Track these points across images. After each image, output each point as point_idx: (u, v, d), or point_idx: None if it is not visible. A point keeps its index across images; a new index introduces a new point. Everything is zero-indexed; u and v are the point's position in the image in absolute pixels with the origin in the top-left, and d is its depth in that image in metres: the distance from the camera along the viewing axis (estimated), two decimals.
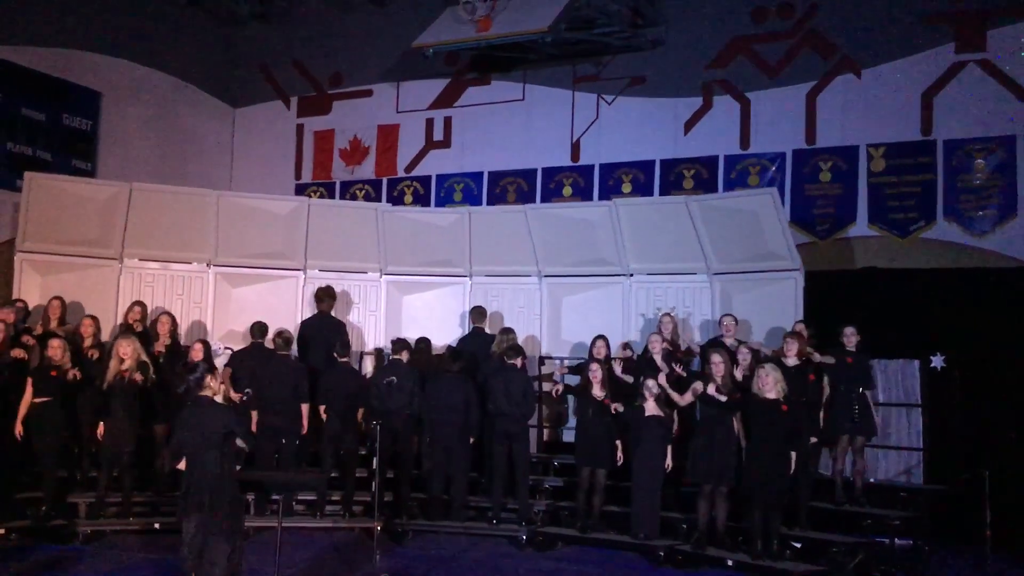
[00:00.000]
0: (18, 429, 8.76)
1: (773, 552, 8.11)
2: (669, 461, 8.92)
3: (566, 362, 11.00)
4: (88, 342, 9.66)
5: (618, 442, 9.19)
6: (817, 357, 9.03)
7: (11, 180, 11.98)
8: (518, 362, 9.84)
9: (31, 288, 10.57)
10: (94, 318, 9.91)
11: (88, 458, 9.53)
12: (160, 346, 9.83)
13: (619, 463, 9.21)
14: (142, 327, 10.13)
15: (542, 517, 9.80)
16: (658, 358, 9.58)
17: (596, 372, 9.30)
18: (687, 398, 8.93)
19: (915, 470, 9.66)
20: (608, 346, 10.05)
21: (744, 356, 9.08)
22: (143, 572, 7.65)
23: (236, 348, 10.45)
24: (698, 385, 8.76)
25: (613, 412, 9.16)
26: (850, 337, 9.23)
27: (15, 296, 10.31)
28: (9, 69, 12.33)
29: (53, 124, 12.98)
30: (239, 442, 6.18)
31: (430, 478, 9.77)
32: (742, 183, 12.42)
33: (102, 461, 9.12)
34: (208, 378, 6.29)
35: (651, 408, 8.91)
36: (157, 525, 9.06)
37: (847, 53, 12.02)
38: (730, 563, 8.23)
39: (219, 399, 6.51)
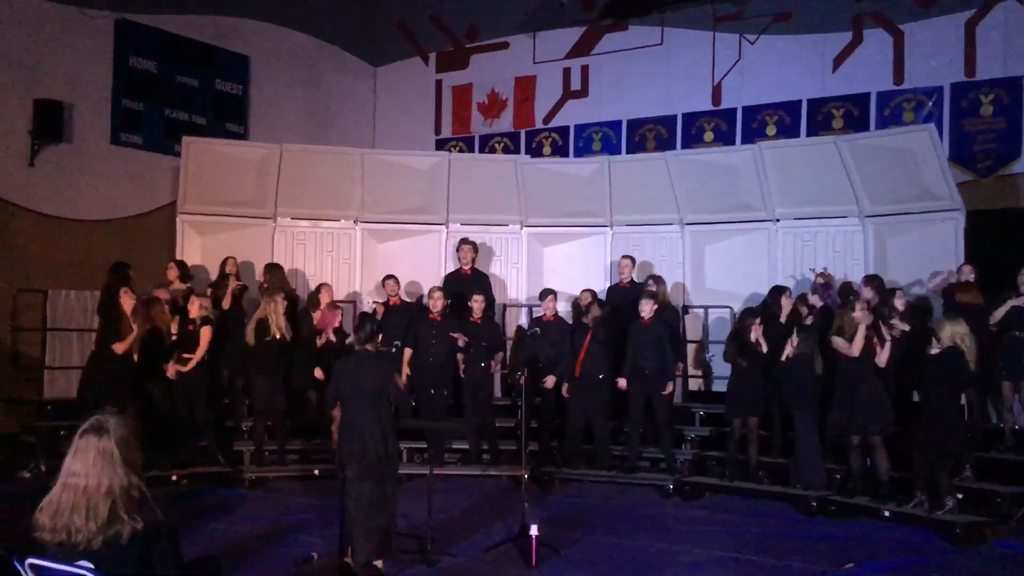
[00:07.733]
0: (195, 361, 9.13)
1: (934, 503, 7.81)
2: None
3: (710, 311, 10.84)
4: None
5: None
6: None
7: (169, 145, 12.59)
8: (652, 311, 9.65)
9: (192, 248, 11.11)
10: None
11: (244, 409, 10.07)
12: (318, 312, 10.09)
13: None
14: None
15: (688, 466, 9.75)
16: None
17: (755, 324, 9.08)
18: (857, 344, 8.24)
19: None
20: (790, 297, 9.44)
21: (901, 303, 8.70)
22: (305, 515, 7.99)
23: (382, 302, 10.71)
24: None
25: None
26: None
27: (178, 257, 10.74)
28: (164, 38, 12.91)
29: (206, 89, 13.53)
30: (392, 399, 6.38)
31: (572, 427, 9.84)
32: (896, 120, 11.84)
33: (255, 414, 9.63)
34: (379, 336, 6.78)
35: (792, 352, 8.69)
36: (316, 471, 9.48)
37: None
38: (887, 514, 7.97)
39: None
